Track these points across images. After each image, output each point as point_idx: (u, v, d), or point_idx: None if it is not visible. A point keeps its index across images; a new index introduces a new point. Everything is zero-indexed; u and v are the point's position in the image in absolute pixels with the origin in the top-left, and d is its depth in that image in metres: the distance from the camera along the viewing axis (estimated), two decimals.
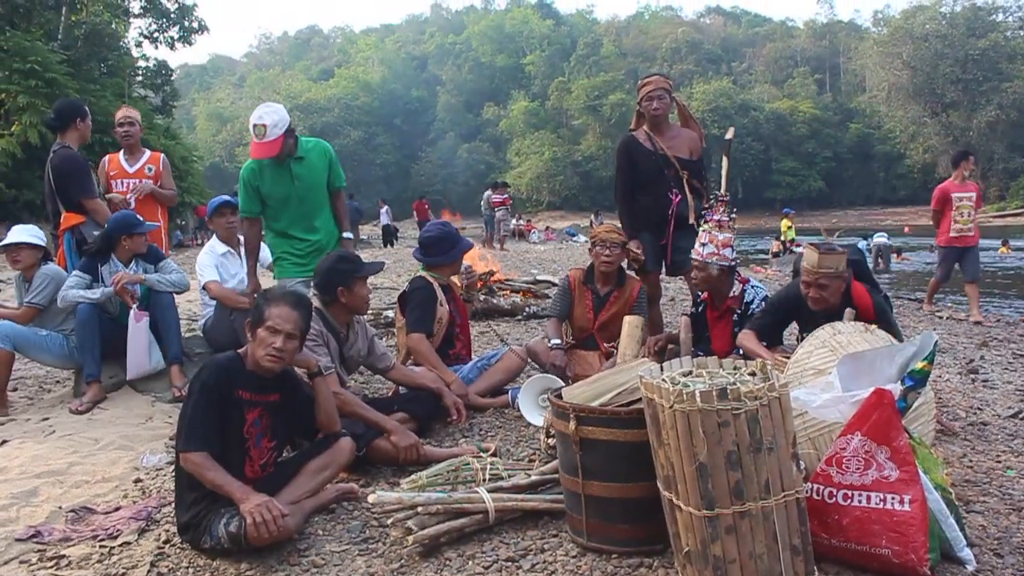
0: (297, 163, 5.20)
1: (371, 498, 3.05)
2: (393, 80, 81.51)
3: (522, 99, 75.52)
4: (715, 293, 4.86)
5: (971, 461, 3.99)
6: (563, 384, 4.03)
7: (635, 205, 5.48)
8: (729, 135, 5.23)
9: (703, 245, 4.72)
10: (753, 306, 4.75)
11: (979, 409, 5.06)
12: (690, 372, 2.69)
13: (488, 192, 24.46)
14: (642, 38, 78.75)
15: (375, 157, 69.63)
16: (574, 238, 32.75)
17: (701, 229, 4.80)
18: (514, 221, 29.70)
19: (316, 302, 4.21)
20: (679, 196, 5.33)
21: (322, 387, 3.57)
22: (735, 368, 2.68)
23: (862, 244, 22.48)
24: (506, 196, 24.24)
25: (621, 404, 2.92)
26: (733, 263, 4.79)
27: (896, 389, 2.67)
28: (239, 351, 3.40)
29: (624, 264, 5.46)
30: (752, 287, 4.85)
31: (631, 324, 3.86)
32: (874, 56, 60.53)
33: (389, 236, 28.00)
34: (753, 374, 2.60)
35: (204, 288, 5.76)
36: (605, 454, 2.80)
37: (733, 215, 4.75)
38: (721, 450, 2.35)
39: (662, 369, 2.73)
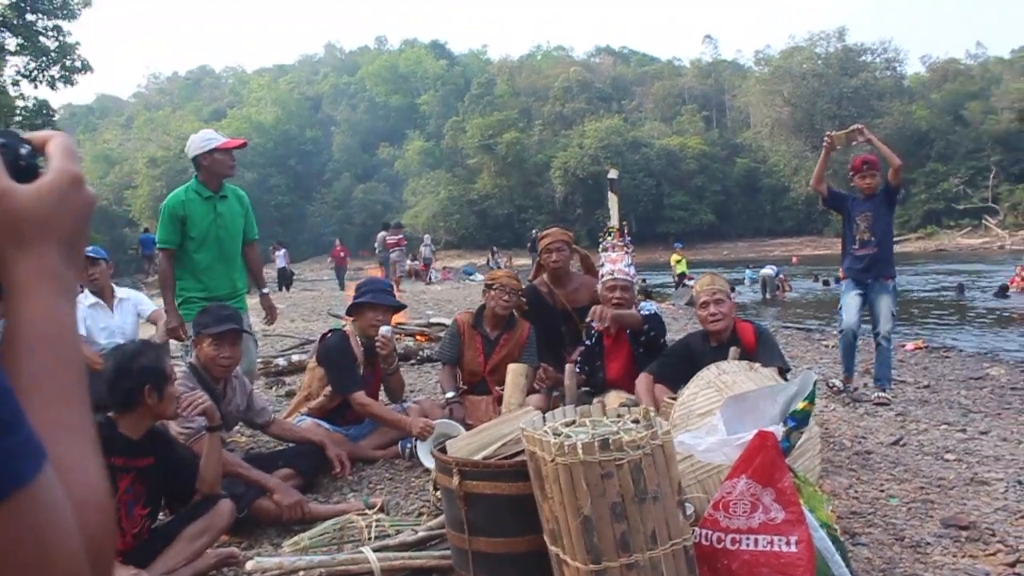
0: (221, 201, 5.13)
1: (249, 565, 2.90)
2: (287, 121, 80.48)
3: (417, 139, 75.57)
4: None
5: (857, 492, 4.08)
6: (462, 429, 3.96)
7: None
8: (612, 175, 5.35)
9: (628, 265, 4.78)
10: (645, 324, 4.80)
11: (863, 438, 5.19)
12: (573, 422, 2.64)
13: (383, 233, 24.25)
14: (535, 77, 79.81)
15: (270, 199, 68.34)
16: (471, 277, 32.72)
17: (614, 253, 4.86)
18: (409, 261, 29.47)
19: (192, 358, 4.04)
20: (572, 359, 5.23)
21: (215, 443, 3.41)
22: (619, 416, 2.65)
23: (749, 274, 23.24)
24: (400, 236, 24.04)
25: (506, 456, 2.85)
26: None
27: (779, 430, 2.69)
28: (109, 415, 3.20)
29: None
30: (642, 308, 4.91)
31: (515, 372, 3.81)
32: (757, 94, 63.09)
33: (285, 279, 27.40)
34: (637, 421, 2.57)
35: None
36: (490, 508, 2.72)
37: (629, 242, 4.87)
38: (605, 502, 2.30)
39: (544, 420, 2.68)
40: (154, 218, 64.64)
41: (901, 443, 5.06)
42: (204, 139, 5.18)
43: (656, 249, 52.22)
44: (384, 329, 4.79)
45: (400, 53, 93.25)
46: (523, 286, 5.32)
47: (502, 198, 66.12)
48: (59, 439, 0.63)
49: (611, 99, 75.63)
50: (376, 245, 24.83)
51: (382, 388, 5.19)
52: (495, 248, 38.03)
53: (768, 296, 19.79)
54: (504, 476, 2.70)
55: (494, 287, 5.20)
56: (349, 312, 5.08)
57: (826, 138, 6.58)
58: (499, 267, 29.21)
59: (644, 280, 20.91)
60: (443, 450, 2.97)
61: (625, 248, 4.80)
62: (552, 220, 50.47)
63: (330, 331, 5.11)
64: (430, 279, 29.23)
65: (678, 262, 23.43)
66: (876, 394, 6.51)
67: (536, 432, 2.47)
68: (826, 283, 21.55)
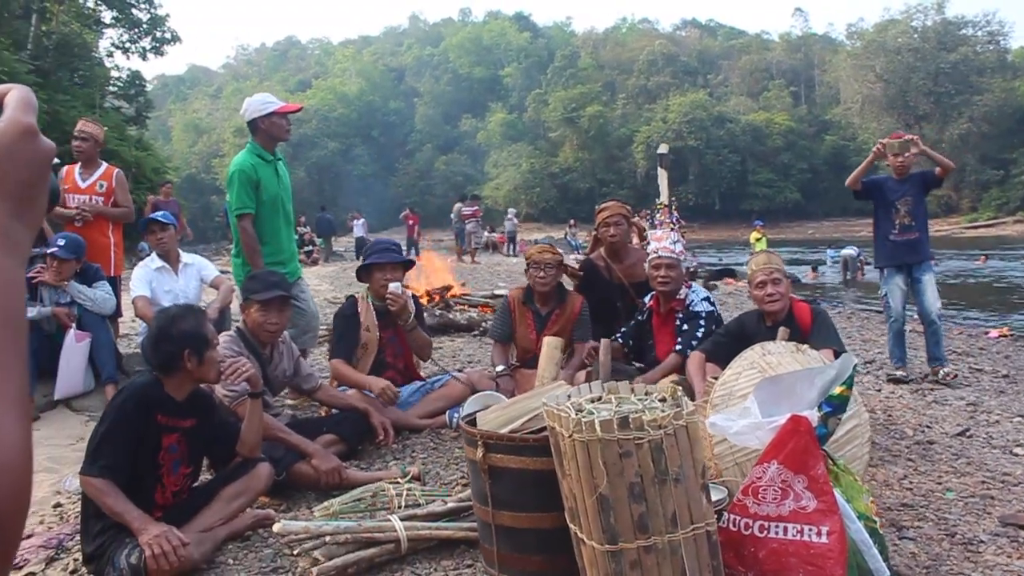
0: (278, 164, 5.28)
1: (276, 527, 2.93)
2: (371, 92, 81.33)
3: (500, 111, 75.55)
4: (672, 294, 4.75)
5: (911, 483, 3.92)
6: (505, 401, 3.93)
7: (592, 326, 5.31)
8: (662, 149, 5.23)
9: (674, 243, 4.66)
10: (694, 307, 4.67)
11: (927, 427, 4.99)
12: (599, 398, 2.58)
13: (459, 204, 24.35)
14: (619, 50, 78.88)
15: (352, 169, 69.26)
16: None
17: (660, 231, 4.74)
18: (486, 233, 29.54)
19: (240, 323, 4.11)
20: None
21: (256, 409, 3.46)
22: (646, 394, 2.58)
23: (830, 254, 22.61)
24: (476, 208, 24.10)
25: (532, 430, 2.80)
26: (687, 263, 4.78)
27: (813, 415, 2.58)
28: (156, 375, 3.27)
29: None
30: (693, 291, 4.78)
31: (550, 345, 3.76)
32: (848, 69, 61.01)
33: (362, 248, 27.77)
34: (664, 400, 2.50)
35: (133, 302, 5.61)
36: (514, 483, 2.68)
37: (678, 219, 4.73)
38: (623, 481, 2.24)
39: (570, 395, 2.62)
40: None
41: (967, 434, 4.84)
42: (262, 102, 5.26)
43: (739, 227, 51.31)
44: (393, 286, 4.76)
45: (484, 25, 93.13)
46: (562, 257, 5.21)
47: (584, 172, 65.76)
48: None
49: (696, 73, 74.30)
50: (452, 216, 24.98)
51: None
52: (573, 221, 37.76)
53: (849, 277, 19.23)
54: (527, 450, 2.66)
55: (530, 266, 5.14)
56: (359, 278, 5.09)
57: (877, 145, 6.34)
58: (573, 243, 29.08)
59: (697, 264, 20.53)
60: (474, 422, 2.95)
61: (672, 225, 4.66)
62: (634, 195, 49.96)
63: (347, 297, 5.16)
64: (514, 252, 29.24)
65: (758, 240, 22.89)
66: (942, 372, 6.39)
67: (557, 407, 2.42)
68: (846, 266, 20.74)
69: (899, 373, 6.38)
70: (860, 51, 60.53)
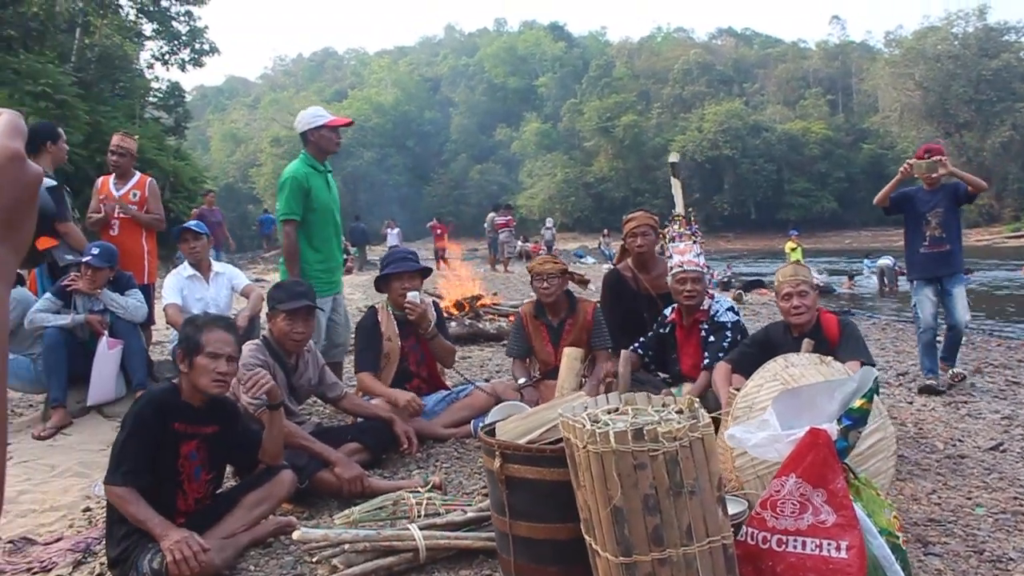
0: (328, 175, 5.45)
1: (296, 535, 2.95)
2: (406, 102, 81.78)
3: (534, 120, 75.56)
4: (696, 307, 4.72)
5: (940, 498, 3.85)
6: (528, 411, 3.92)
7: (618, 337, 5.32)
8: (673, 158, 5.20)
9: (698, 255, 4.63)
10: (719, 318, 4.62)
11: (959, 441, 4.90)
12: (616, 409, 2.57)
13: (492, 214, 24.40)
14: (654, 59, 78.55)
15: (388, 178, 69.61)
16: (582, 259, 32.58)
17: (682, 244, 4.70)
18: (519, 243, 29.58)
19: (267, 331, 4.15)
20: None
21: (277, 419, 3.49)
22: (663, 405, 2.57)
23: (867, 264, 22.32)
24: (509, 218, 24.14)
25: (549, 441, 2.80)
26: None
27: (833, 428, 2.55)
28: (175, 382, 3.33)
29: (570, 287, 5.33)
30: (716, 301, 4.74)
31: (569, 356, 3.75)
32: (886, 77, 60.25)
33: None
34: (681, 411, 2.48)
35: (164, 310, 5.70)
36: (531, 493, 2.68)
37: (696, 231, 4.69)
38: (637, 493, 2.23)
39: (587, 406, 2.62)
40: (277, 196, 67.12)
41: (1001, 448, 4.74)
42: (313, 115, 5.45)
43: (775, 236, 50.77)
44: (411, 295, 4.80)
45: (519, 35, 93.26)
46: (565, 265, 5.21)
47: (618, 181, 65.58)
48: None
49: (732, 82, 73.80)
50: (486, 226, 25.04)
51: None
52: (607, 231, 37.67)
53: (886, 288, 18.97)
54: (544, 461, 2.65)
55: (533, 279, 5.15)
56: (378, 289, 5.12)
57: (905, 165, 6.26)
58: (607, 252, 29.00)
59: (730, 274, 20.35)
60: (492, 432, 2.95)
61: (693, 237, 4.63)
62: (668, 205, 49.47)
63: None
64: None
65: (793, 250, 22.59)
66: (951, 372, 6.54)
67: (572, 418, 2.41)
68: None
69: (930, 383, 6.30)
70: (899, 59, 59.74)
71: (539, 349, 5.20)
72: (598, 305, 5.24)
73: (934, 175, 6.28)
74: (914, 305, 6.50)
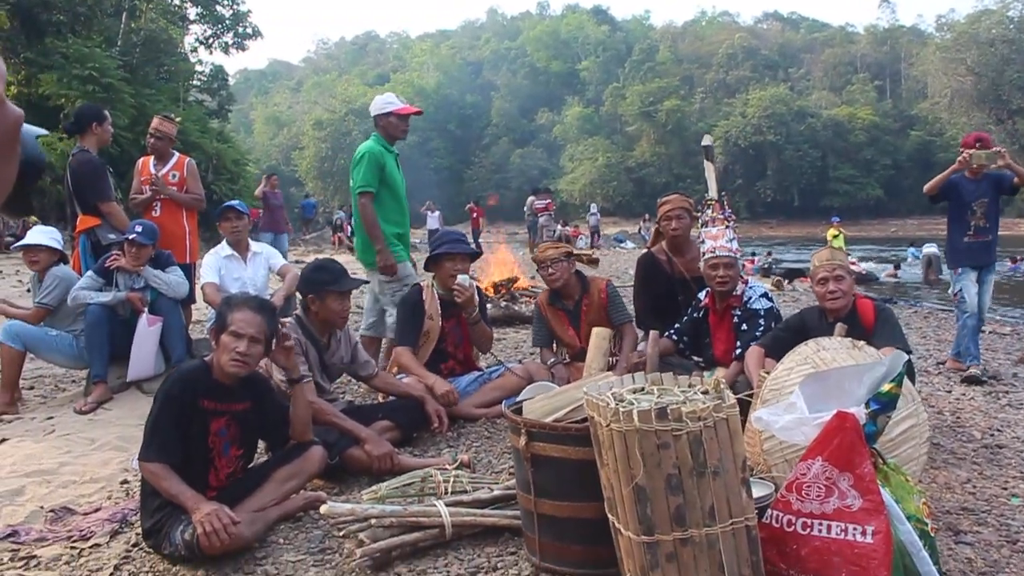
0: (396, 157, 5.62)
1: (323, 508, 2.99)
2: (448, 85, 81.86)
3: (576, 105, 75.26)
4: (729, 292, 4.67)
5: (975, 487, 3.79)
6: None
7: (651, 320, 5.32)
8: (706, 141, 5.15)
9: (731, 240, 4.58)
10: (752, 305, 4.57)
11: (998, 431, 4.81)
12: (642, 388, 2.57)
13: (531, 198, 24.36)
14: (698, 44, 77.91)
15: (429, 162, 69.76)
16: (622, 244, 32.45)
17: (715, 228, 4.64)
18: (559, 227, 29.56)
19: (299, 310, 4.20)
20: None
21: (300, 394, 3.54)
22: (689, 385, 2.56)
23: (911, 252, 21.96)
24: (548, 202, 24.06)
25: (575, 420, 2.80)
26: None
27: (861, 412, 2.52)
28: (207, 359, 3.38)
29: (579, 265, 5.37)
30: (750, 287, 4.69)
31: (598, 336, 3.74)
32: (936, 62, 58.94)
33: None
34: (707, 392, 2.47)
35: (202, 289, 5.79)
36: (556, 471, 2.69)
37: (730, 215, 4.64)
38: (661, 473, 2.23)
39: (612, 386, 2.61)
40: (319, 179, 67.23)
41: None
42: (385, 101, 5.66)
43: (818, 224, 50.09)
44: (462, 278, 4.83)
45: (562, 18, 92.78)
46: (569, 248, 5.29)
47: (660, 166, 65.19)
48: None
49: (777, 67, 72.91)
50: (525, 209, 25.01)
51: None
52: (647, 216, 37.46)
53: (932, 276, 18.64)
54: (569, 440, 2.66)
55: (539, 267, 5.20)
56: (427, 267, 5.15)
57: (964, 155, 6.13)
58: (647, 237, 28.84)
59: (772, 261, 20.17)
60: (519, 410, 2.96)
61: (726, 222, 4.58)
62: (707, 189, 49.18)
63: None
64: (595, 246, 29.27)
65: (835, 237, 22.31)
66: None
67: (596, 396, 2.42)
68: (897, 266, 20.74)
69: (975, 371, 6.21)
70: (950, 43, 58.36)
71: (561, 334, 5.23)
72: (610, 280, 5.28)
73: (993, 166, 6.19)
74: (959, 291, 6.42)
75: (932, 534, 2.66)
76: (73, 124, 6.08)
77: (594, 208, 33.51)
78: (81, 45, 21.79)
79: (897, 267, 20.77)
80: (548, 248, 5.18)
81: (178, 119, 6.76)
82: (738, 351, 4.48)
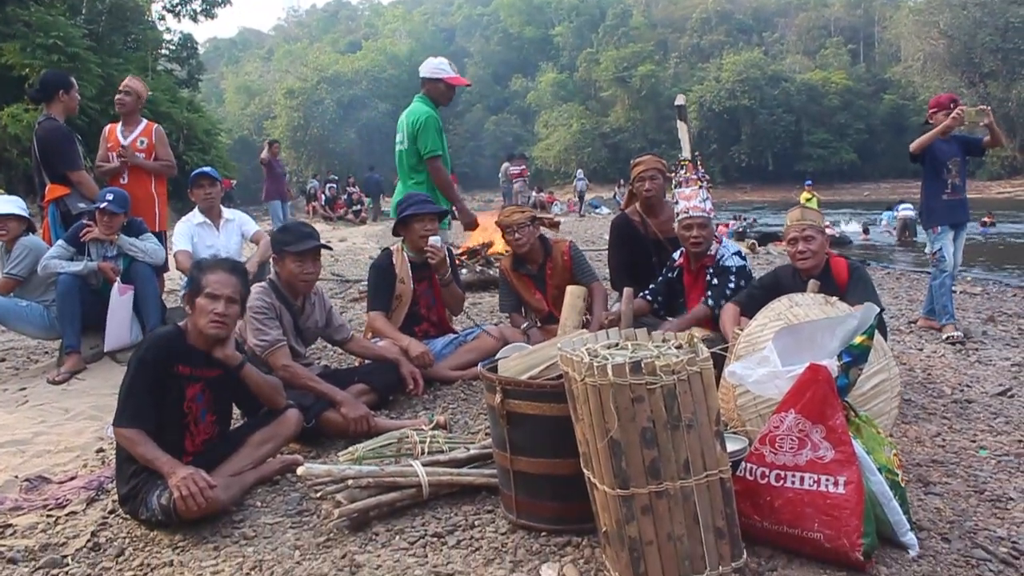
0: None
1: (300, 470, 2.99)
2: (421, 52, 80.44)
3: (550, 71, 74.76)
4: (703, 252, 4.68)
5: (944, 440, 3.86)
6: None
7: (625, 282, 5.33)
8: (679, 101, 5.16)
9: (704, 200, 4.57)
10: (724, 262, 4.58)
11: (967, 386, 4.90)
12: (616, 344, 2.57)
13: (506, 164, 24.28)
14: (672, 8, 77.40)
15: None
16: (597, 210, 32.48)
17: (688, 189, 4.63)
18: (534, 193, 29.53)
19: (272, 275, 4.18)
20: None
21: (250, 376, 3.45)
22: (663, 340, 2.57)
23: (887, 215, 22.15)
24: (523, 168, 24.01)
25: (550, 377, 2.81)
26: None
27: (833, 365, 2.54)
28: (181, 324, 3.35)
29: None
30: (724, 246, 4.70)
31: (572, 294, 3.74)
32: (909, 25, 58.95)
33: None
34: (680, 347, 2.48)
35: (175, 257, 5.73)
36: (531, 429, 2.70)
37: (704, 175, 4.63)
38: (635, 427, 2.24)
39: (586, 342, 2.62)
40: (291, 147, 66.41)
41: (1009, 394, 4.73)
42: (437, 67, 5.71)
43: (792, 188, 50.28)
44: (433, 239, 4.83)
45: None
46: (533, 212, 5.28)
47: (635, 132, 65.04)
48: None
49: (751, 31, 72.70)
50: (500, 176, 24.94)
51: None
52: (622, 181, 37.46)
53: (907, 238, 18.83)
54: (544, 397, 2.67)
55: (504, 232, 5.20)
56: (395, 231, 5.09)
57: (957, 112, 6.16)
58: (620, 202, 28.89)
59: (747, 224, 20.30)
60: (494, 369, 2.97)
61: (700, 182, 4.58)
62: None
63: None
64: (581, 212, 29.52)
65: (808, 200, 22.44)
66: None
67: (571, 352, 2.42)
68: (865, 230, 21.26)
69: (957, 334, 6.30)
70: (923, 6, 58.36)
71: (528, 299, 5.26)
72: (572, 242, 5.29)
73: (980, 124, 6.31)
74: (939, 250, 6.48)
75: (902, 484, 2.71)
76: (39, 91, 5.96)
77: (580, 174, 33.63)
78: (44, 13, 21.30)
79: (866, 231, 21.01)
80: (513, 212, 5.16)
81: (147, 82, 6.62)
82: (708, 301, 4.49)
